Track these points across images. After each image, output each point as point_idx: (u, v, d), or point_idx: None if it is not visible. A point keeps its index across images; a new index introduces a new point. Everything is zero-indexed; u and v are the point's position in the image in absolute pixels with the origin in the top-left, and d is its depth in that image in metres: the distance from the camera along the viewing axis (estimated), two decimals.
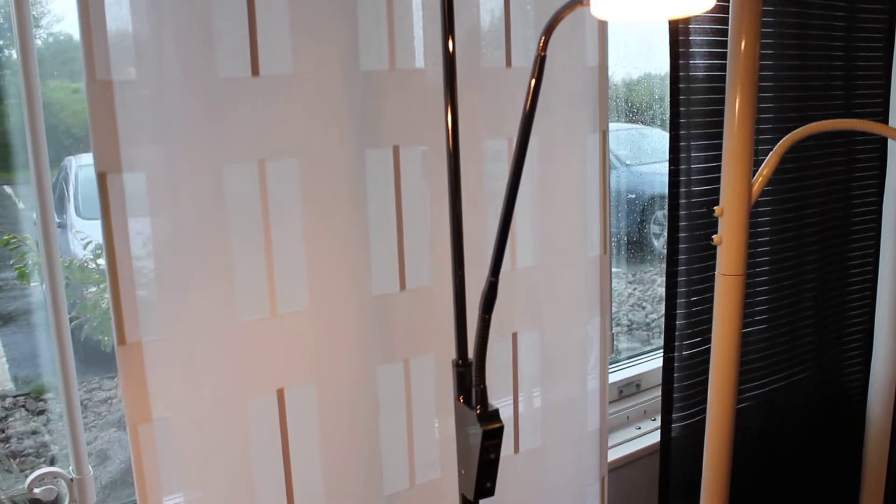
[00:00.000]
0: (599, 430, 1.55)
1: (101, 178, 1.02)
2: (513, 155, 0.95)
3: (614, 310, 3.24)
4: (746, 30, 1.18)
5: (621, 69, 2.42)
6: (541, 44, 0.92)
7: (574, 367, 1.49)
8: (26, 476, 1.28)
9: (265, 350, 1.17)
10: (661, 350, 1.71)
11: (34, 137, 1.13)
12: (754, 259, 1.78)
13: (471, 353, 1.04)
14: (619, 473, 1.80)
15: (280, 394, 1.19)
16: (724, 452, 1.32)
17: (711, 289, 1.69)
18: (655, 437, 1.86)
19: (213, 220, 1.11)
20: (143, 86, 1.04)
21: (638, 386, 1.99)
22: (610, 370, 1.95)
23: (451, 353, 1.30)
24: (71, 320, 1.24)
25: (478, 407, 1.02)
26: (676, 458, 1.70)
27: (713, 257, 1.67)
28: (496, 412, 1.02)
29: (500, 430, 1.01)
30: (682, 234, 1.61)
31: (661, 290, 2.52)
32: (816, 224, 1.88)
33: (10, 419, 1.55)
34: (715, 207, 1.26)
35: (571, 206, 1.43)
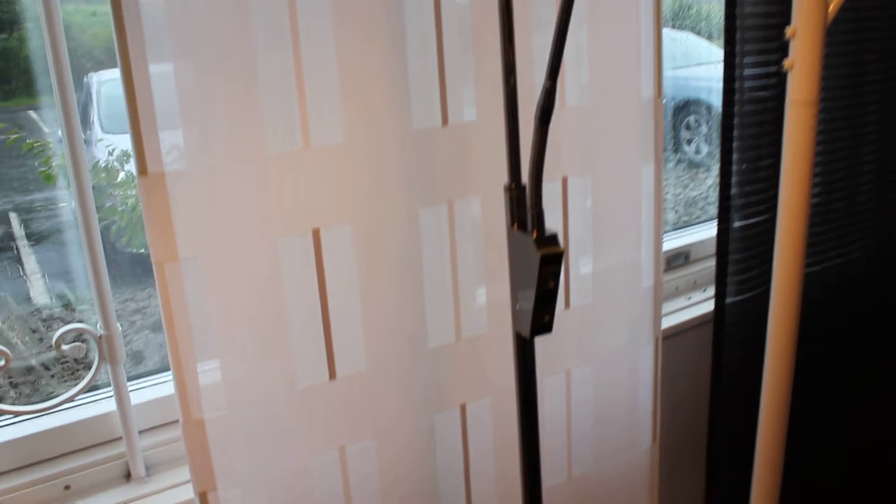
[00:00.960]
0: (654, 287, 1.46)
1: None
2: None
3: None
4: None
5: None
6: None
7: (627, 218, 1.39)
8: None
9: (297, 187, 1.07)
10: (713, 221, 1.60)
11: (56, 54, 1.07)
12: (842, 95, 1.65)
13: (524, 177, 0.94)
14: (670, 342, 1.71)
15: (315, 234, 1.10)
16: (790, 318, 1.22)
17: (770, 153, 1.57)
18: (707, 308, 1.76)
19: (239, 42, 1.00)
20: None
21: (686, 257, 1.89)
22: None
23: (499, 196, 1.21)
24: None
25: (535, 231, 0.92)
26: (731, 328, 1.61)
27: (775, 110, 1.55)
28: (555, 236, 0.92)
29: (560, 255, 0.91)
30: (741, 83, 1.48)
31: (693, 195, 2.42)
32: (878, 71, 1.74)
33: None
34: (786, 28, 1.14)
35: (623, 42, 1.30)
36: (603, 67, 1.29)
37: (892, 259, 1.91)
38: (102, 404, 1.27)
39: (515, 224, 0.96)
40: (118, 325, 1.20)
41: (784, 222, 1.18)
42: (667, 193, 3.15)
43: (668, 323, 1.70)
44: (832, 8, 1.13)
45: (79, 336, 1.22)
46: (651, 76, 1.35)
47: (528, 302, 0.94)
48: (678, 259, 1.87)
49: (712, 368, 1.63)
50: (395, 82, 1.11)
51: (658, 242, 1.44)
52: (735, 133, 1.51)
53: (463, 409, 1.29)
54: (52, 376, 1.36)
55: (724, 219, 1.58)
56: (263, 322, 1.09)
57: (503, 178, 1.22)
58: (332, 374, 1.16)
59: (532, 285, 0.92)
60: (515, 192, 0.95)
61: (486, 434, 1.31)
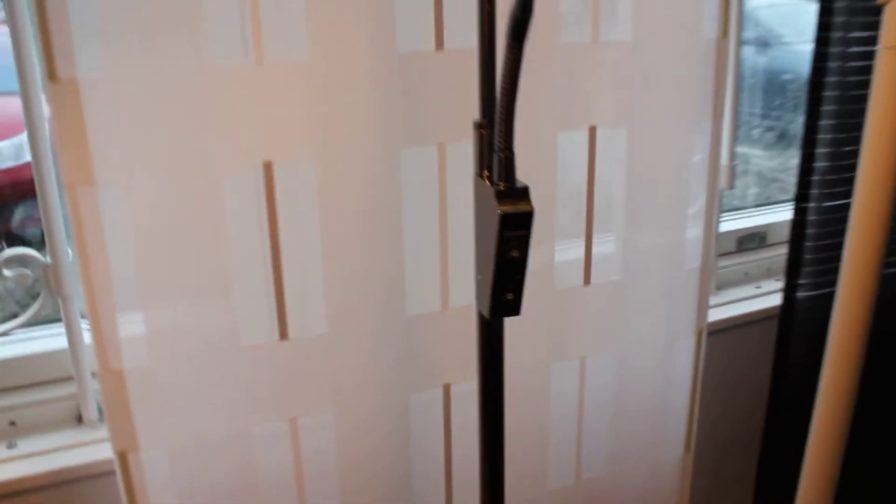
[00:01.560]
0: (700, 270, 1.21)
1: None
2: None
3: (752, 190, 2.83)
4: None
5: None
6: None
7: (672, 184, 1.15)
8: None
9: (245, 109, 0.89)
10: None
11: None
12: None
13: (498, 110, 0.72)
14: (727, 335, 1.46)
15: (268, 168, 0.92)
16: (858, 320, 0.97)
17: (860, 125, 1.30)
18: (776, 300, 1.50)
19: None
20: None
21: (763, 239, 1.62)
22: (728, 216, 1.60)
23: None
24: None
25: (501, 183, 0.71)
26: (800, 327, 1.35)
27: (865, 85, 1.26)
28: (524, 190, 0.71)
29: (528, 215, 0.70)
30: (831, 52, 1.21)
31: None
32: None
33: None
34: None
35: None
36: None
37: None
38: (56, 340, 1.14)
39: (485, 172, 0.75)
40: (69, 251, 1.05)
41: (862, 198, 0.92)
42: (779, 175, 2.86)
43: (725, 314, 1.45)
44: None
45: (24, 262, 1.09)
46: (716, 9, 1.10)
47: (487, 273, 0.73)
48: (752, 240, 1.61)
49: (772, 373, 1.38)
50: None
51: (711, 217, 1.20)
52: (825, 96, 1.24)
53: (447, 389, 1.10)
54: None
55: (802, 198, 1.32)
56: (199, 265, 0.92)
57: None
58: (284, 334, 0.99)
59: (492, 250, 0.72)
60: (484, 130, 0.74)
61: (474, 421, 1.11)
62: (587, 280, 1.13)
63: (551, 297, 1.11)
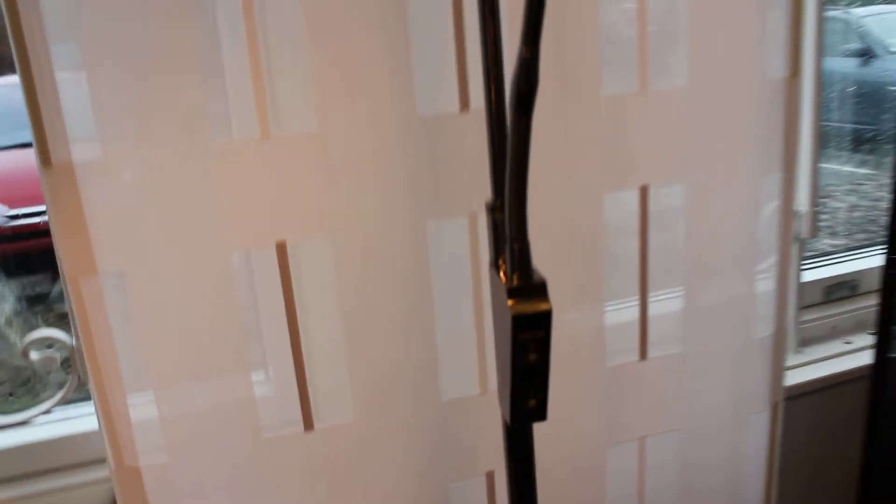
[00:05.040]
0: (774, 338, 1.09)
1: None
2: None
3: (856, 213, 2.69)
4: None
5: None
6: None
7: (736, 243, 1.03)
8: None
9: (254, 188, 0.82)
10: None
11: None
12: None
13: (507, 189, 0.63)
14: (811, 400, 1.32)
15: (280, 249, 0.85)
16: None
17: None
18: (868, 357, 1.35)
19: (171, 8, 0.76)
20: None
21: (854, 288, 1.47)
22: (812, 264, 1.46)
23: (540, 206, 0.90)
24: None
25: (514, 276, 0.62)
26: (894, 387, 1.20)
27: None
28: (541, 286, 0.61)
29: (545, 316, 0.60)
30: None
31: None
32: None
33: None
34: None
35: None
36: (709, 30, 0.94)
37: None
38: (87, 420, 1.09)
39: (501, 261, 0.66)
40: None
41: None
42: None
43: (809, 375, 1.30)
44: None
45: (50, 345, 1.06)
46: (784, 46, 0.98)
47: (505, 376, 0.64)
48: (841, 290, 1.46)
49: (863, 442, 1.24)
50: (391, 50, 0.83)
51: (785, 275, 1.07)
52: None
53: (490, 477, 1.01)
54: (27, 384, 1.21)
55: (894, 243, 1.19)
56: (212, 352, 0.86)
57: (549, 180, 0.91)
58: (309, 425, 0.91)
59: (508, 354, 0.62)
60: (496, 212, 0.65)
61: None
62: (643, 355, 1.02)
63: (603, 375, 1.01)
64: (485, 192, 0.87)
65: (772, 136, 1.01)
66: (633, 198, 0.97)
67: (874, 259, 1.50)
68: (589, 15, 0.88)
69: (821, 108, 1.25)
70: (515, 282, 0.62)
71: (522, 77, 0.56)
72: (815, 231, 1.32)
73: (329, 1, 0.79)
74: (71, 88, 0.76)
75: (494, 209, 0.66)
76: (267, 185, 0.82)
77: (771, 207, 1.05)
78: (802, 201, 1.25)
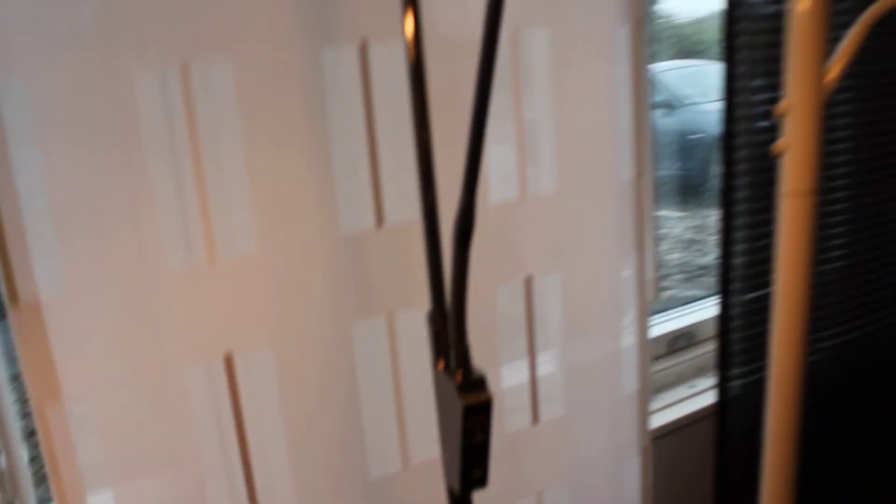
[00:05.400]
0: (638, 394, 1.29)
1: None
2: (481, 42, 0.68)
3: (674, 255, 2.96)
4: None
5: (687, 6, 2.25)
6: None
7: (605, 319, 1.23)
8: None
9: (203, 308, 0.93)
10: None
11: None
12: (827, 173, 1.48)
13: (449, 302, 0.78)
14: (669, 441, 1.53)
15: (228, 361, 0.96)
16: (789, 415, 1.04)
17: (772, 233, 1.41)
18: (711, 398, 1.58)
19: (121, 142, 0.86)
20: None
21: (691, 338, 1.71)
22: (657, 321, 1.68)
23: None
24: None
25: (458, 374, 0.77)
26: (735, 421, 1.43)
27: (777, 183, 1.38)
28: (481, 380, 0.76)
29: (488, 404, 0.75)
30: (739, 156, 1.32)
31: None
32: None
33: None
34: (777, 105, 0.98)
35: (596, 117, 1.15)
36: (571, 147, 1.14)
37: None
38: None
39: (441, 361, 0.81)
40: (24, 455, 1.06)
41: (780, 326, 1.01)
42: (696, 234, 2.98)
43: (666, 419, 1.52)
44: (830, 78, 0.97)
45: None
46: (629, 153, 1.19)
47: (456, 454, 0.78)
48: (682, 340, 1.69)
49: (714, 470, 1.45)
50: (318, 180, 0.97)
51: (643, 335, 1.27)
52: (736, 195, 1.35)
53: None
54: None
55: (725, 292, 1.42)
56: (170, 471, 0.95)
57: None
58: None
59: (459, 435, 0.77)
60: (439, 322, 0.80)
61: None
62: (535, 419, 1.19)
63: (504, 440, 1.17)
64: (399, 293, 1.02)
65: (625, 225, 1.21)
66: (519, 287, 1.14)
67: (704, 312, 1.75)
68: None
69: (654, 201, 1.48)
70: (461, 378, 0.77)
71: (464, 219, 0.72)
72: (657, 294, 1.54)
73: (265, 142, 0.92)
74: (36, 232, 0.85)
75: (434, 318, 0.81)
76: (214, 305, 0.93)
77: (627, 279, 1.25)
78: (648, 270, 1.47)
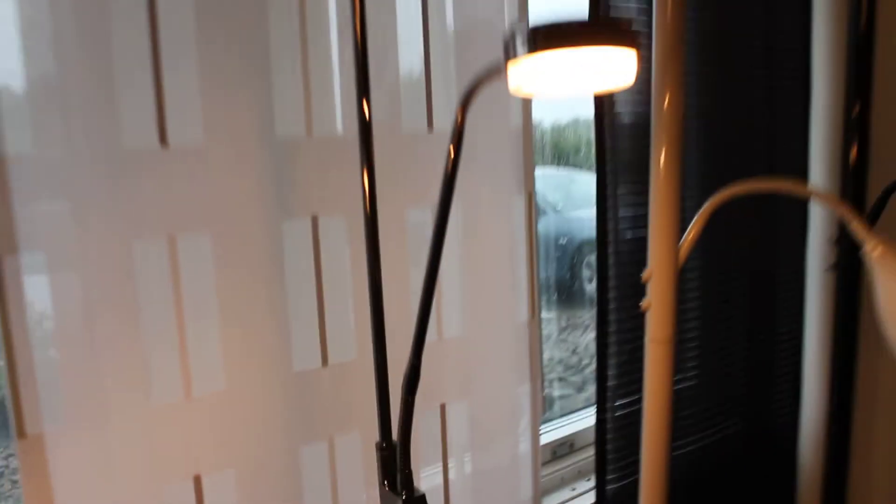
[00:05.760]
0: (532, 499, 1.51)
1: None
2: (433, 229, 0.92)
3: (546, 356, 3.21)
4: (670, 91, 1.18)
5: (550, 114, 2.44)
6: (458, 117, 0.89)
7: (504, 435, 1.46)
8: None
9: (180, 436, 1.10)
10: (594, 408, 1.69)
11: None
12: (686, 317, 1.78)
13: (395, 435, 1.00)
14: None
15: (197, 481, 1.13)
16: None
17: (642, 347, 1.68)
18: (591, 499, 1.82)
19: (120, 298, 1.05)
20: (42, 158, 0.98)
21: (572, 445, 1.96)
22: (542, 430, 1.92)
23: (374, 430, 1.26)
24: None
25: (403, 493, 0.97)
26: None
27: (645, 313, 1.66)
28: (422, 498, 0.97)
29: None
30: (611, 288, 1.60)
31: (594, 335, 2.53)
32: (744, 281, 1.90)
33: None
34: (643, 273, 1.25)
35: (498, 272, 1.40)
36: (478, 299, 1.38)
37: (762, 435, 2.03)
38: None
39: (386, 482, 1.01)
40: None
41: (647, 437, 1.26)
42: (568, 335, 3.24)
43: None
44: (682, 253, 1.25)
45: None
46: (525, 301, 1.45)
47: None
48: (563, 448, 1.94)
49: None
50: (276, 327, 1.17)
51: (535, 445, 1.51)
52: (610, 317, 1.62)
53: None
54: None
55: (602, 404, 1.67)
56: None
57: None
58: None
59: None
60: (386, 451, 1.01)
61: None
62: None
63: None
64: (339, 421, 1.22)
65: (522, 360, 1.46)
66: (437, 412, 1.36)
67: (584, 421, 2.01)
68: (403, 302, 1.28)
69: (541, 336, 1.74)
70: (405, 497, 0.97)
71: (412, 375, 0.94)
72: (545, 408, 1.79)
73: (235, 296, 1.12)
74: (44, 374, 1.01)
75: (382, 449, 1.02)
76: (188, 434, 1.11)
77: (522, 397, 1.49)
78: (538, 391, 1.72)
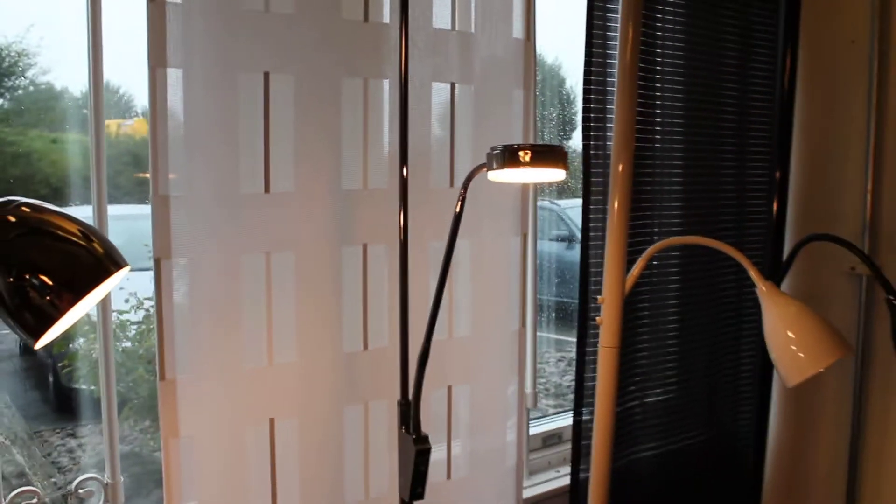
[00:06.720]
0: (516, 468, 1.99)
1: (157, 262, 1.47)
2: (444, 254, 1.41)
3: (547, 371, 3.60)
4: (623, 163, 1.66)
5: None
6: (461, 193, 1.38)
7: (497, 416, 1.93)
8: (68, 483, 1.69)
9: (263, 390, 1.60)
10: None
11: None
12: (661, 332, 2.23)
13: (411, 396, 1.48)
14: None
15: (272, 423, 1.62)
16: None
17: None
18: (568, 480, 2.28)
19: (231, 292, 1.55)
20: (190, 198, 1.49)
21: (560, 437, 2.42)
22: (536, 424, 2.39)
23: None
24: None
25: (413, 434, 1.45)
26: (583, 497, 2.12)
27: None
28: (426, 437, 1.45)
29: (429, 450, 1.44)
30: (592, 309, 2.07)
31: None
32: (705, 304, 2.34)
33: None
34: (598, 297, 1.73)
35: (497, 291, 1.89)
36: (482, 307, 1.87)
37: (722, 443, 2.46)
38: None
39: (403, 427, 1.49)
40: (121, 476, 1.68)
41: (596, 435, 1.73)
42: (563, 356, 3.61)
43: (538, 491, 2.20)
44: (628, 285, 1.72)
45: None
46: (517, 312, 1.93)
47: (408, 478, 1.46)
48: (553, 439, 2.40)
49: None
50: (334, 319, 1.67)
51: (521, 437, 1.98)
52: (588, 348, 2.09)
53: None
54: None
55: (578, 404, 2.12)
56: (232, 485, 1.60)
57: None
58: None
59: (411, 467, 1.45)
60: (404, 405, 1.49)
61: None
62: (449, 475, 1.88)
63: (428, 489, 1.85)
64: (374, 389, 1.70)
65: (513, 360, 1.94)
66: (444, 391, 1.84)
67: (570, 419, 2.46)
68: None
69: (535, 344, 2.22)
70: (415, 436, 1.45)
71: (423, 353, 1.42)
72: (535, 403, 2.26)
73: (307, 297, 1.63)
74: (179, 339, 1.52)
75: (402, 404, 1.50)
76: (270, 389, 1.60)
77: (512, 392, 1.97)
78: (527, 385, 2.19)
